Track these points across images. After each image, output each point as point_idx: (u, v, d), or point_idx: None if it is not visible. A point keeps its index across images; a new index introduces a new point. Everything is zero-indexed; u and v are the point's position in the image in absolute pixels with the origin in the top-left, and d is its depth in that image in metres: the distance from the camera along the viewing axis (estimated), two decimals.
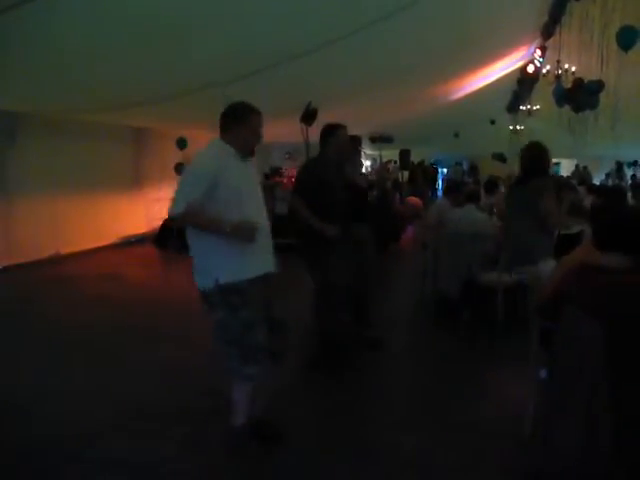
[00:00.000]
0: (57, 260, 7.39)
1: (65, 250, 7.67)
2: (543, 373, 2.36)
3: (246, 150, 2.52)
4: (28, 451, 2.59)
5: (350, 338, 3.89)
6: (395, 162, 18.86)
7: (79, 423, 2.86)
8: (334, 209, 3.44)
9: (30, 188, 7.13)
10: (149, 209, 9.63)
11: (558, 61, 8.21)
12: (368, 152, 18.30)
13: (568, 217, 3.73)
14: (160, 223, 9.36)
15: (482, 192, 7.11)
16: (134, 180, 9.33)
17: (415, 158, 19.06)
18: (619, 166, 17.77)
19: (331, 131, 3.58)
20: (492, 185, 7.45)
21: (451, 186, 6.33)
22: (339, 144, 3.57)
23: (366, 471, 2.48)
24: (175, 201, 2.34)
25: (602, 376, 1.67)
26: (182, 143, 9.21)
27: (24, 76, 4.71)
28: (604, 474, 1.68)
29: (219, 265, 2.35)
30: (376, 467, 2.51)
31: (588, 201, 6.11)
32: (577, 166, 20.02)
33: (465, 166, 22.37)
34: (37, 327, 4.55)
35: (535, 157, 3.48)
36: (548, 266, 3.18)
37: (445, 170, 25.66)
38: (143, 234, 9.42)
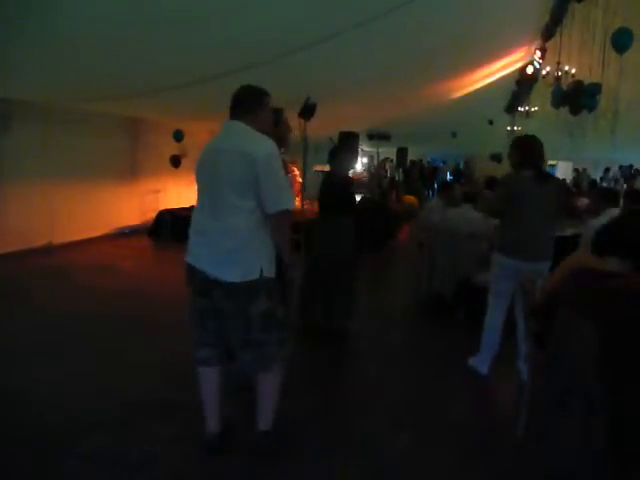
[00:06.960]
0: (50, 250, 7.34)
1: (58, 240, 7.61)
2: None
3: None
4: (25, 445, 2.54)
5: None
6: (392, 160, 18.88)
7: (77, 417, 2.83)
8: None
9: (24, 176, 7.07)
10: (143, 200, 9.60)
11: (558, 63, 8.19)
12: (365, 149, 18.31)
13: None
14: (154, 214, 9.34)
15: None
16: (129, 171, 9.27)
17: (412, 156, 19.09)
18: (607, 170, 18.25)
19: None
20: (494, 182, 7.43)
21: (444, 186, 6.35)
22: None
23: (360, 469, 2.46)
24: (290, 196, 2.33)
25: (597, 378, 1.67)
26: (179, 135, 9.16)
27: (21, 63, 4.64)
28: (600, 475, 1.68)
29: (265, 258, 2.33)
30: (371, 465, 2.49)
31: (583, 204, 6.12)
32: (577, 170, 20.10)
33: (461, 165, 22.44)
34: (31, 317, 4.51)
35: (540, 150, 3.39)
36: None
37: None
38: (137, 225, 9.38)
